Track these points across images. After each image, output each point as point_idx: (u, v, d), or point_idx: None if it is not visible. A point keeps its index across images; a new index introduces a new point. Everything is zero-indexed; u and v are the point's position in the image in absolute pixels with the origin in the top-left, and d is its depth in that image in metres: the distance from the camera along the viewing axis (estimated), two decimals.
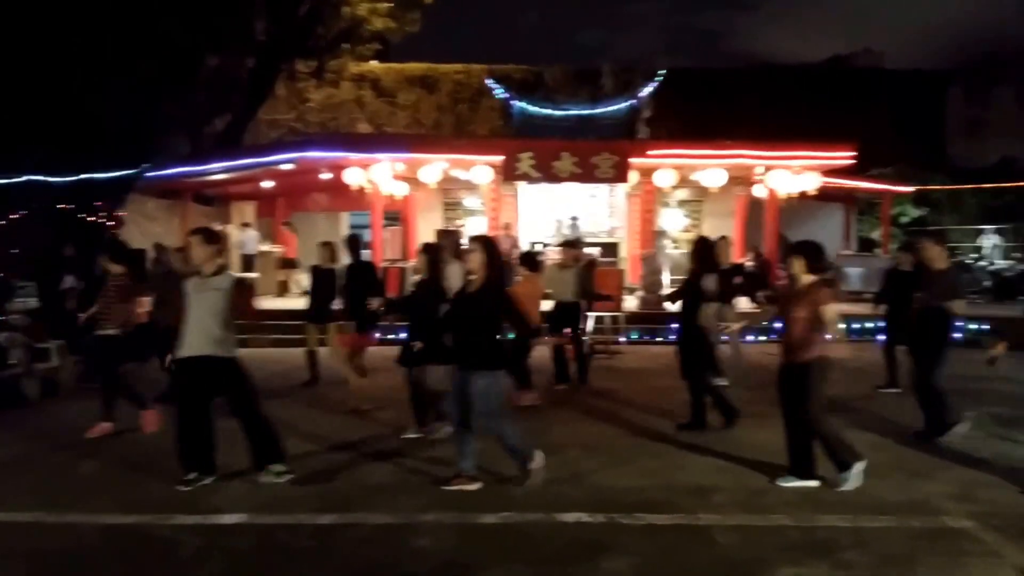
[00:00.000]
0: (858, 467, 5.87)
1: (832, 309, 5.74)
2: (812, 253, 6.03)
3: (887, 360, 9.81)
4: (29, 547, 4.81)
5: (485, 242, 5.93)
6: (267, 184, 19.10)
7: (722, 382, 9.01)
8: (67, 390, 10.01)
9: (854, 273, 18.47)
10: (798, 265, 6.01)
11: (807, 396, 5.82)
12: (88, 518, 5.26)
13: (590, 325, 13.10)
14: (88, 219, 14.29)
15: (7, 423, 8.19)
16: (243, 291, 7.65)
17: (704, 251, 7.98)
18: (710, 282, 7.69)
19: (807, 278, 5.97)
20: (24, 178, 12.63)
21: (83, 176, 14.01)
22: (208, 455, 5.93)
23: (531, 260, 9.46)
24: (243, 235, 19.08)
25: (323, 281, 9.68)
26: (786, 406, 6.07)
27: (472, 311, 5.72)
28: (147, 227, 17.71)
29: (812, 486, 5.89)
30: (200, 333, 5.73)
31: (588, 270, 10.51)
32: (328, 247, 9.95)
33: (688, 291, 7.76)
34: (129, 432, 7.50)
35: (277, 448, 6.00)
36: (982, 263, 21.24)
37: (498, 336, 5.89)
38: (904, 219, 26.12)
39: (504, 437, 5.83)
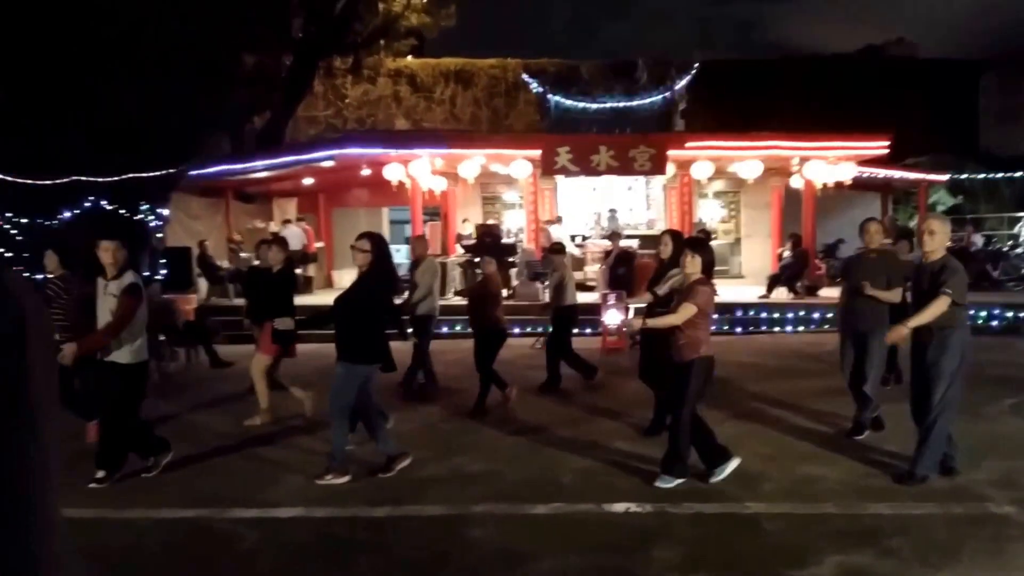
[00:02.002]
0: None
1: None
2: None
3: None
4: (93, 543, 4.99)
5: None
6: (308, 181, 19.35)
7: None
8: None
9: None
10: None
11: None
12: (148, 513, 5.46)
13: (631, 315, 13.19)
14: (133, 218, 14.62)
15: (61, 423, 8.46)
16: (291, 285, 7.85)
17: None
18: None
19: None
20: (70, 178, 12.98)
21: (127, 176, 14.36)
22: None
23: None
24: (285, 231, 19.36)
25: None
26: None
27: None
28: (190, 225, 18.05)
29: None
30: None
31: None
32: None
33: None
34: (179, 429, 7.72)
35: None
36: (1019, 250, 20.97)
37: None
38: (940, 208, 25.88)
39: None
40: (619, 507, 5.35)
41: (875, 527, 4.96)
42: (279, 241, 8.53)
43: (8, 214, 11.98)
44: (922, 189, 22.60)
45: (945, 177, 23.40)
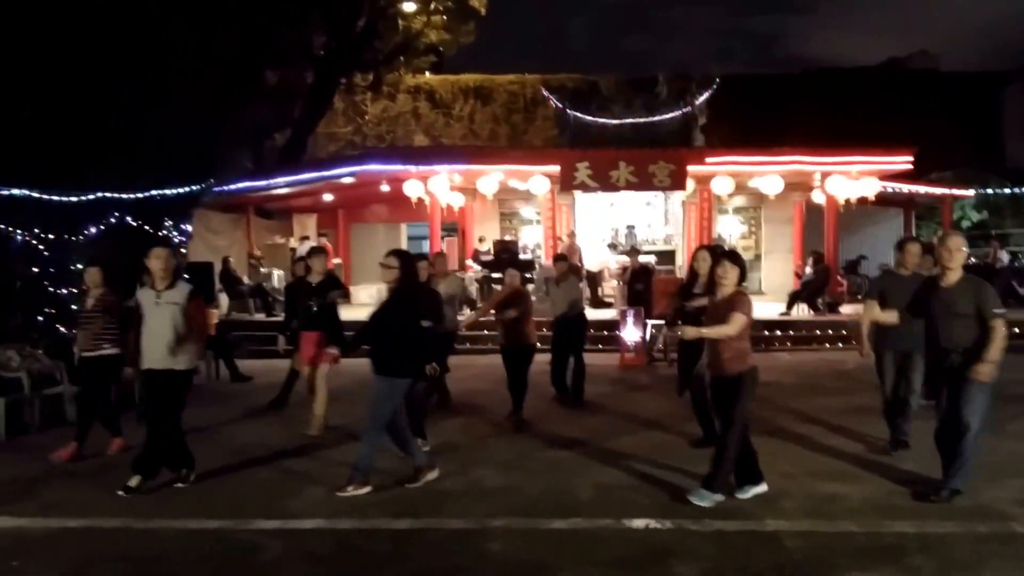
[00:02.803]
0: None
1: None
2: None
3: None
4: (118, 552, 5.06)
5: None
6: (327, 197, 19.51)
7: None
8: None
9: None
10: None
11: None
12: (172, 523, 5.52)
13: (648, 333, 13.19)
14: (157, 233, 14.78)
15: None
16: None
17: None
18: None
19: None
20: (96, 195, 13.14)
21: (152, 192, 14.53)
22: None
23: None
24: (302, 247, 19.50)
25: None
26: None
27: None
28: (212, 241, 18.24)
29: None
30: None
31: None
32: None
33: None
34: (196, 442, 7.78)
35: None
36: None
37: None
38: (965, 224, 25.63)
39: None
40: (638, 523, 5.34)
41: (897, 545, 4.93)
42: (319, 251, 8.61)
43: (36, 229, 12.14)
44: (946, 205, 22.33)
45: (970, 192, 23.15)
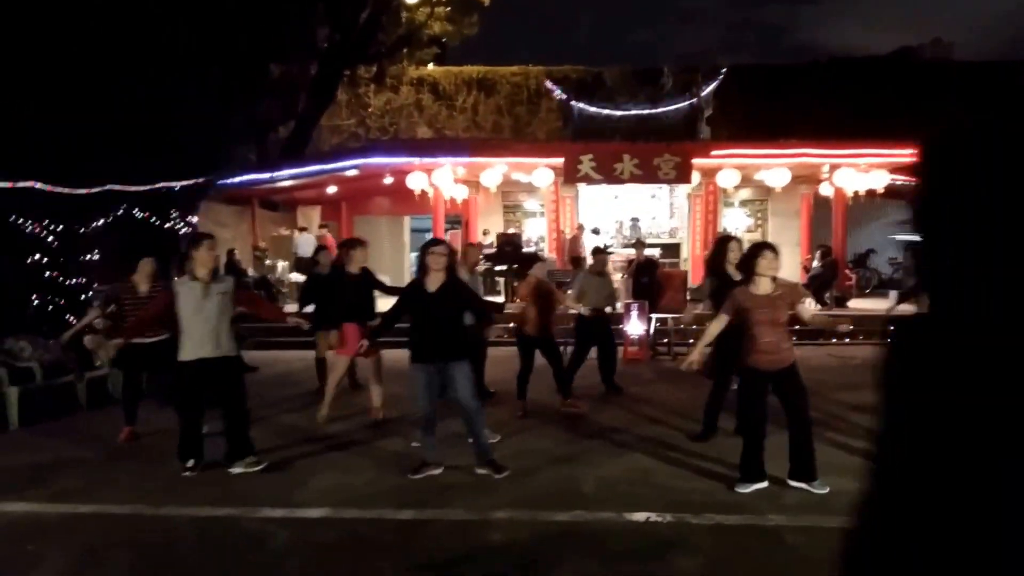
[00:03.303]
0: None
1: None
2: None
3: None
4: (130, 537, 5.14)
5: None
6: (331, 189, 19.55)
7: None
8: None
9: None
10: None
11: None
12: (182, 511, 5.59)
13: (652, 327, 13.22)
14: (164, 226, 14.85)
15: (94, 423, 8.65)
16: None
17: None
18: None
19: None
20: (105, 187, 13.21)
21: (159, 185, 14.59)
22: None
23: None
24: (299, 238, 19.53)
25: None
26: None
27: None
28: (217, 233, 18.21)
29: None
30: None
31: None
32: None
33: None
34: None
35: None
36: None
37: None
38: None
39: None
40: (639, 516, 5.38)
41: None
42: (359, 243, 8.65)
43: (45, 221, 12.22)
44: None
45: None
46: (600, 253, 9.99)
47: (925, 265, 1.30)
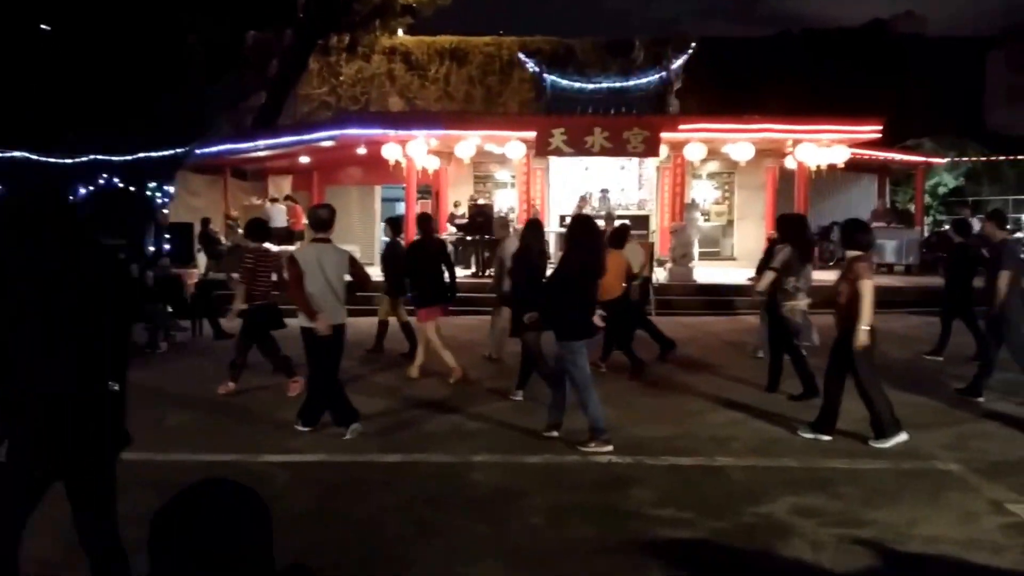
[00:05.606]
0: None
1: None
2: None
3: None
4: (141, 479, 5.63)
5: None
6: (303, 159, 19.77)
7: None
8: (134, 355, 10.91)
9: (888, 245, 18.83)
10: None
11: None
12: (191, 456, 6.14)
13: None
14: (142, 194, 15.20)
15: None
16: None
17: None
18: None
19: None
20: (89, 157, 13.55)
21: (140, 155, 14.93)
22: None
23: (618, 237, 9.81)
24: (271, 209, 19.69)
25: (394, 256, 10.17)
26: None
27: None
28: (191, 202, 18.55)
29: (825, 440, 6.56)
30: None
31: None
32: (393, 223, 10.73)
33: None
34: (202, 392, 8.36)
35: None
36: (1019, 234, 21.27)
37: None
38: (942, 190, 25.87)
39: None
40: (602, 458, 6.03)
41: (829, 478, 5.63)
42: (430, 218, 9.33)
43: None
44: (920, 171, 22.53)
45: (943, 160, 23.28)
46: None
47: None
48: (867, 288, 6.19)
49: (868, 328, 6.19)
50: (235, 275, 9.32)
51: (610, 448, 6.14)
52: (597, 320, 6.43)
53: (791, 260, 7.98)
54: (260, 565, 1.41)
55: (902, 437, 6.35)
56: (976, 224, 20.26)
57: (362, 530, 4.76)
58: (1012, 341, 7.79)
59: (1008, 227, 9.07)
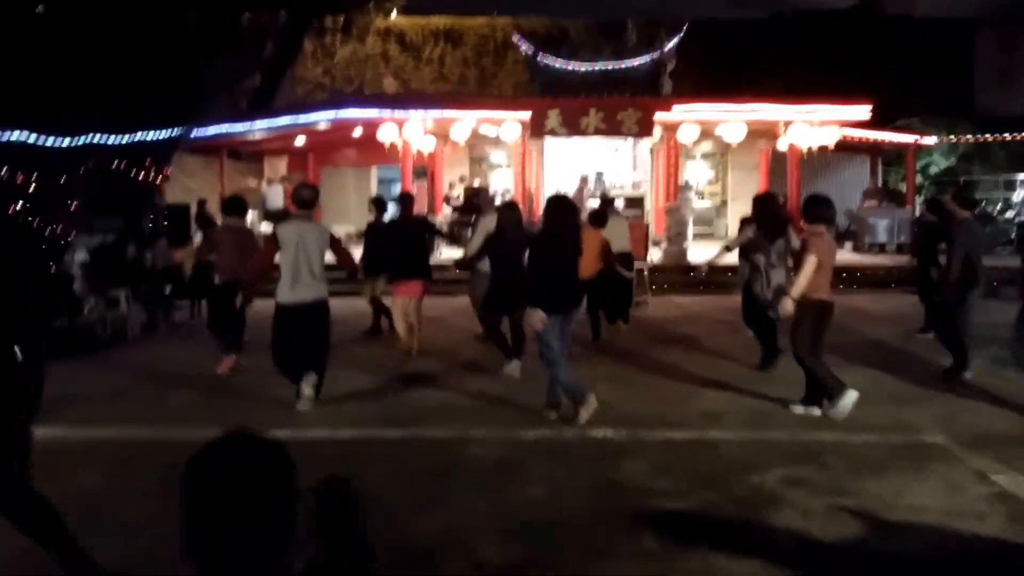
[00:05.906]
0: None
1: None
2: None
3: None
4: (151, 457, 5.75)
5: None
6: (299, 140, 19.83)
7: None
8: (134, 335, 11.03)
9: (880, 224, 18.99)
10: None
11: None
12: (200, 432, 6.19)
13: None
14: (139, 176, 15.24)
15: (109, 361, 9.26)
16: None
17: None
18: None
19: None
20: (86, 138, 13.57)
21: (138, 136, 14.95)
22: None
23: (597, 217, 9.99)
24: (268, 190, 19.78)
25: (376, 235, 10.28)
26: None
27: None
28: (186, 183, 18.65)
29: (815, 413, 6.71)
30: None
31: None
32: (376, 202, 10.78)
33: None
34: (200, 370, 8.49)
35: None
36: (1008, 214, 21.42)
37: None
38: (934, 170, 25.99)
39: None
40: (598, 433, 6.17)
41: (818, 450, 5.78)
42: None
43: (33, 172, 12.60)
44: (910, 152, 22.68)
45: (934, 140, 23.47)
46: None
47: None
48: (810, 262, 6.38)
49: (797, 299, 6.42)
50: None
51: (593, 404, 6.25)
52: None
53: (755, 239, 8.19)
54: (286, 512, 1.54)
55: (852, 395, 6.50)
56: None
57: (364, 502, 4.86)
58: (960, 318, 7.92)
59: (975, 206, 9.24)
